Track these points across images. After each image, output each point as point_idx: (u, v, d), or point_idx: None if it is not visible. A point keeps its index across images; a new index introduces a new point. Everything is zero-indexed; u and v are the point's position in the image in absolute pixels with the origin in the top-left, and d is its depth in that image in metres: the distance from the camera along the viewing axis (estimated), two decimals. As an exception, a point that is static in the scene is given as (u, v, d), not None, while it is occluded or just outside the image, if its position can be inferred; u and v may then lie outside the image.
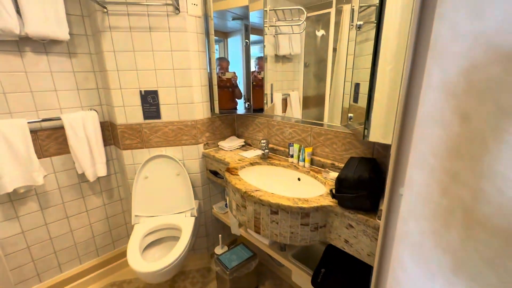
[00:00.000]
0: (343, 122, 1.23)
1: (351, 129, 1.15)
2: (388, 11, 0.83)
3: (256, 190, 1.14)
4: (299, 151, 1.42)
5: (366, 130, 0.97)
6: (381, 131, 0.93)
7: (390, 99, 0.87)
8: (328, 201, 1.02)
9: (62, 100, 1.52)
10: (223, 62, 1.64)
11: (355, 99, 1.10)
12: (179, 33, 1.49)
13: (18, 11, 1.24)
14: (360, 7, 1.03)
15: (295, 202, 1.02)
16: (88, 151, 1.56)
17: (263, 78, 1.61)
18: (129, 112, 1.58)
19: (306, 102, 1.47)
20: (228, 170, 1.38)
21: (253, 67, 1.59)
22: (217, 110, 1.68)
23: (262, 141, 1.52)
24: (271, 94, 1.63)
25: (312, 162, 1.40)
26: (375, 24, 0.93)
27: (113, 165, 1.81)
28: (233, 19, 1.55)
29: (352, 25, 1.08)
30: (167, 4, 1.42)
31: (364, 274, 1.07)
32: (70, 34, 1.41)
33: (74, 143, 1.51)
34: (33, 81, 1.41)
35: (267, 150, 1.51)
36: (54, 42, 1.43)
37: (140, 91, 1.55)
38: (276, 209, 1.06)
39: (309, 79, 1.43)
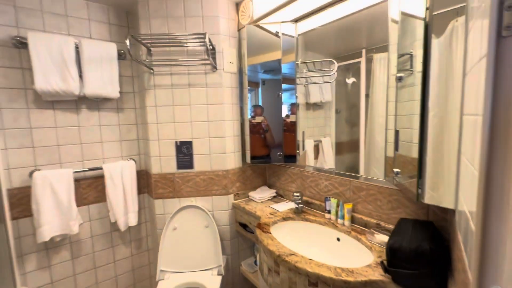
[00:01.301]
0: (387, 176, 1.10)
1: (396, 184, 1.02)
2: (433, 60, 0.79)
3: (291, 254, 1.01)
4: (337, 206, 1.29)
5: (419, 189, 0.84)
6: (439, 191, 0.79)
7: (446, 151, 0.76)
8: (378, 275, 0.85)
9: (106, 150, 1.63)
10: (257, 109, 1.67)
11: (396, 147, 1.01)
12: (215, 88, 1.59)
13: (80, 75, 1.43)
14: (398, 55, 1.00)
15: (337, 274, 0.87)
16: (122, 199, 1.60)
17: (294, 123, 1.58)
18: (164, 162, 1.62)
19: (339, 148, 1.39)
20: (260, 226, 1.28)
21: (285, 113, 1.59)
22: (248, 159, 1.66)
23: (295, 194, 1.42)
24: (303, 141, 1.59)
25: (352, 220, 1.25)
26: (411, 72, 0.89)
27: (144, 213, 1.81)
28: (264, 71, 1.63)
29: (393, 75, 1.05)
30: (205, 64, 1.55)
31: None
32: (120, 92, 1.58)
33: (111, 191, 1.56)
34: (84, 134, 1.55)
35: (301, 204, 1.40)
36: (106, 99, 1.60)
37: (176, 142, 1.61)
38: (315, 281, 0.91)
39: (341, 125, 1.38)
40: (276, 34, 1.52)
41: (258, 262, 1.33)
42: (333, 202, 1.30)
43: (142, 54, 1.56)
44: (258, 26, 1.55)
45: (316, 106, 1.53)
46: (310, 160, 1.53)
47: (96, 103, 1.58)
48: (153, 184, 1.63)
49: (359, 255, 1.06)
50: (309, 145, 1.55)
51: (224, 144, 1.63)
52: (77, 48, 1.42)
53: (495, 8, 0.37)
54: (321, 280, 0.89)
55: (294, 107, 1.59)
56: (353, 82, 1.28)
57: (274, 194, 1.74)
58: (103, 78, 1.48)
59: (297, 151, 1.60)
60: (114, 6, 1.61)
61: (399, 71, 0.99)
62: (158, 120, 1.60)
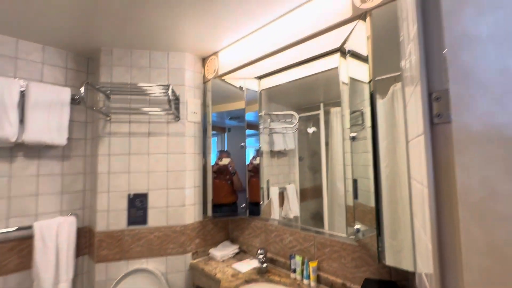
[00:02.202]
0: (349, 226, 1.10)
1: (357, 241, 1.01)
2: (380, 117, 0.87)
3: (253, 330, 0.88)
4: (303, 264, 1.22)
5: (379, 248, 0.84)
6: (397, 251, 0.80)
7: (400, 203, 0.79)
8: None
9: (41, 205, 1.40)
10: (223, 154, 1.64)
11: (355, 195, 1.05)
12: (177, 137, 1.54)
13: (22, 120, 1.28)
14: (351, 112, 1.09)
15: None
16: (53, 265, 1.32)
17: (259, 170, 1.57)
18: (113, 217, 1.43)
19: (304, 194, 1.40)
20: (219, 293, 1.13)
21: (249, 160, 1.58)
22: (210, 212, 1.55)
23: (259, 251, 1.33)
24: (268, 189, 1.56)
25: (318, 279, 1.18)
26: (363, 126, 0.97)
27: (81, 281, 1.51)
28: (231, 118, 1.65)
29: (348, 129, 1.14)
30: (168, 114, 1.52)
31: None
32: (69, 138, 1.43)
33: (40, 255, 1.29)
34: (15, 186, 1.33)
35: (265, 264, 1.30)
36: (49, 146, 1.43)
37: (129, 195, 1.46)
38: None
39: (305, 172, 1.41)
40: (240, 88, 1.60)
41: None
42: (298, 260, 1.24)
43: (99, 100, 1.48)
44: (223, 80, 1.62)
45: (280, 154, 1.56)
46: (275, 209, 1.49)
47: (36, 150, 1.40)
48: (96, 244, 1.40)
49: (327, 324, 0.97)
50: (274, 193, 1.53)
51: (184, 196, 1.52)
52: (23, 92, 1.29)
53: (425, 100, 0.42)
54: None
55: (258, 154, 1.60)
56: (314, 131, 1.36)
57: (237, 251, 1.61)
58: (50, 124, 1.35)
59: (261, 202, 1.56)
60: (74, 52, 1.56)
61: (352, 125, 1.07)
62: (110, 170, 1.45)
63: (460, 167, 0.36)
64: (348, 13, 1.07)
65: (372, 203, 0.89)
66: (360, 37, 0.98)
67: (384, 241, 0.83)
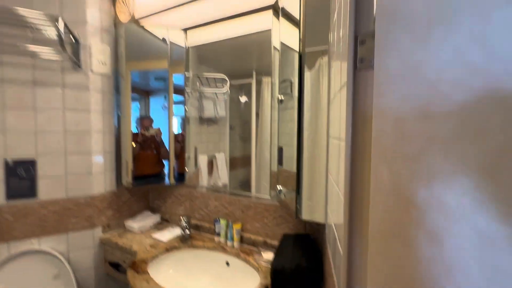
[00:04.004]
0: (272, 190, 1.14)
1: (279, 201, 1.05)
2: (306, 89, 0.87)
3: (170, 297, 0.84)
4: (227, 227, 1.22)
5: (298, 206, 0.88)
6: (311, 207, 0.85)
7: (317, 168, 0.83)
8: (264, 300, 0.82)
9: None
10: (145, 120, 1.43)
11: (280, 162, 1.07)
12: (79, 91, 1.23)
13: None
14: (280, 81, 1.07)
15: (223, 310, 0.77)
16: None
17: (184, 138, 1.47)
18: (-19, 191, 1.09)
19: (233, 163, 1.38)
20: (133, 266, 1.02)
21: (175, 126, 1.44)
22: (127, 180, 1.36)
23: (182, 218, 1.25)
24: (196, 158, 1.47)
25: (242, 240, 1.21)
26: (291, 96, 0.97)
27: None
28: (156, 79, 1.44)
29: (277, 97, 1.12)
30: (63, 59, 1.18)
31: None
32: None
33: None
34: None
35: (188, 231, 1.24)
36: None
37: (6, 161, 1.12)
38: (197, 325, 0.77)
39: (235, 141, 1.38)
40: (164, 41, 1.37)
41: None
42: (222, 223, 1.23)
43: None
44: (142, 27, 1.35)
45: (211, 121, 1.47)
46: (204, 177, 1.42)
47: None
48: (-45, 227, 1.05)
49: (248, 279, 1.01)
50: (203, 161, 1.45)
51: (90, 162, 1.27)
52: None
53: (351, 42, 0.39)
54: (204, 323, 0.76)
55: (185, 121, 1.47)
56: (246, 101, 1.32)
57: (159, 220, 1.50)
58: None
59: (187, 169, 1.46)
60: None
61: (281, 94, 1.06)
62: (-29, 129, 1.07)
63: (376, 112, 0.35)
64: (284, -37, 0.99)
65: (295, 169, 0.93)
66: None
67: (302, 200, 0.87)
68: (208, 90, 1.42)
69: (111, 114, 1.37)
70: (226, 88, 1.35)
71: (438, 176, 0.29)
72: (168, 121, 1.41)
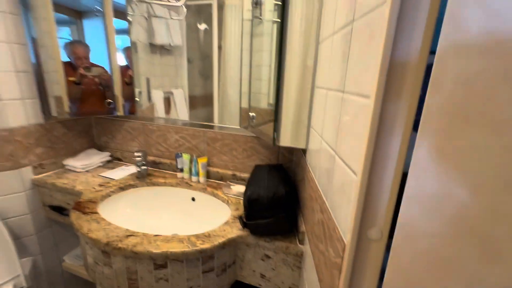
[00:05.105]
0: (243, 124, 1.01)
1: (252, 131, 0.94)
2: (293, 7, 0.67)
3: (129, 236, 0.72)
4: (191, 162, 1.09)
5: (275, 133, 0.77)
6: (291, 133, 0.75)
7: (299, 98, 0.71)
8: (237, 230, 0.76)
9: None
10: (78, 49, 1.07)
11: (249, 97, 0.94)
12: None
13: None
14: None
15: (192, 244, 0.69)
16: None
17: (131, 65, 1.18)
18: None
19: (194, 102, 1.19)
20: (78, 207, 0.86)
21: (120, 51, 1.14)
22: (59, 110, 1.07)
23: (136, 154, 1.08)
24: (148, 91, 1.23)
25: (208, 175, 1.11)
26: (270, 20, 0.77)
27: None
28: None
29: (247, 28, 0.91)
30: None
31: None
32: None
33: None
34: None
35: (144, 167, 1.09)
36: None
37: None
38: (163, 261, 0.69)
39: (195, 77, 1.18)
40: None
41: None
42: (185, 158, 1.09)
43: None
44: None
45: (164, 50, 1.20)
46: (160, 114, 1.21)
47: None
48: None
49: (217, 212, 0.94)
50: (158, 97, 1.22)
51: (-5, 84, 0.94)
52: None
53: None
54: (171, 258, 0.68)
55: (132, 46, 1.16)
56: (206, 29, 1.07)
57: (108, 158, 1.29)
58: None
59: (136, 99, 1.21)
60: None
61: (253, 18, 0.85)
62: None
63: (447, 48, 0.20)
64: None
65: (266, 104, 0.83)
66: None
67: (280, 124, 0.76)
68: (157, 2, 1.11)
69: (18, 16, 0.98)
70: (180, 4, 1.06)
71: None
72: (109, 50, 1.09)
